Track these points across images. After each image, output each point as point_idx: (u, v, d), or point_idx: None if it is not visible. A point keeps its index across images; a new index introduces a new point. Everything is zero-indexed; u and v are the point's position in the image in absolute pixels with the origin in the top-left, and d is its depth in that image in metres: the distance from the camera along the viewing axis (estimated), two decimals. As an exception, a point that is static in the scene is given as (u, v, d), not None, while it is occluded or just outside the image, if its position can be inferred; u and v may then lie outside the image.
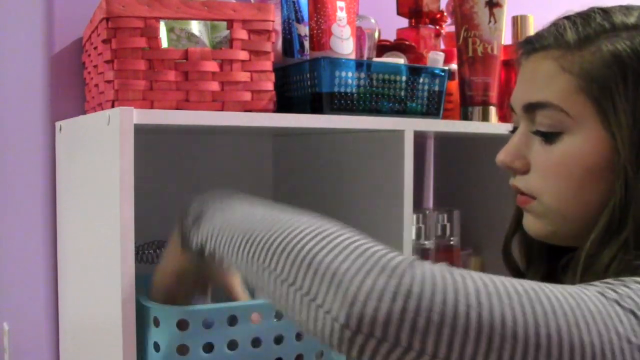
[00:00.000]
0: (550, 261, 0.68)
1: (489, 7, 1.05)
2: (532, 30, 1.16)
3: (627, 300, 0.48)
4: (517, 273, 0.72)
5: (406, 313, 0.45)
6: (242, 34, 0.83)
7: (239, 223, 0.59)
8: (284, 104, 0.93)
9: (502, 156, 0.65)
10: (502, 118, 1.13)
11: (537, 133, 0.62)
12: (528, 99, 0.62)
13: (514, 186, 0.65)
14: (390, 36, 1.16)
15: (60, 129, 1.01)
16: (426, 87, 0.98)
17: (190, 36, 0.93)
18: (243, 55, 0.83)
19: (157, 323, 0.79)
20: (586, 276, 0.57)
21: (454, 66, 1.11)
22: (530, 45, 0.63)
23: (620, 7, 0.60)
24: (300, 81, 0.93)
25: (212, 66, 0.81)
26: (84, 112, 1.03)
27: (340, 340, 0.46)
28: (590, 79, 0.58)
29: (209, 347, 0.80)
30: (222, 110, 0.82)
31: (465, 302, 0.45)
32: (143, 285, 0.80)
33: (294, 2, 0.97)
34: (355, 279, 0.46)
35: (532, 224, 0.65)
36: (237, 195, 0.67)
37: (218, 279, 0.83)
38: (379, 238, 0.97)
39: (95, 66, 0.90)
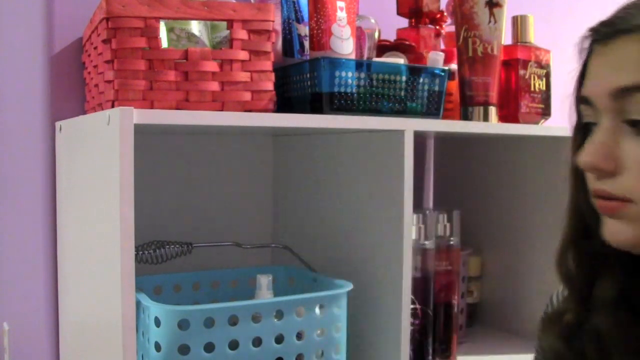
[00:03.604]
0: (629, 273, 0.61)
1: (489, 7, 1.05)
2: (532, 30, 1.16)
3: None
4: (575, 287, 0.65)
5: None
6: (242, 34, 0.83)
7: None
8: (284, 104, 0.93)
9: (588, 157, 0.56)
10: (502, 118, 1.13)
11: (630, 123, 0.55)
12: (617, 84, 0.55)
13: (600, 190, 0.57)
14: (390, 36, 1.16)
15: (60, 129, 1.01)
16: (426, 87, 0.98)
17: (190, 36, 0.93)
18: (243, 55, 0.83)
19: (158, 323, 0.79)
20: None
21: (454, 66, 1.11)
22: (610, 29, 0.57)
23: None
24: (300, 81, 0.93)
25: (212, 66, 0.81)
26: (84, 112, 1.03)
27: None
28: None
29: (209, 347, 0.80)
30: (222, 110, 0.82)
31: None
32: (143, 285, 0.80)
33: (294, 2, 0.97)
34: None
35: (621, 232, 0.57)
36: None
37: None
38: (379, 238, 0.97)
39: (95, 66, 0.90)
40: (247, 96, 0.83)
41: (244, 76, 0.83)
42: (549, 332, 0.66)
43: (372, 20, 1.10)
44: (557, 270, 0.65)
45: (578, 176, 0.63)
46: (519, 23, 1.15)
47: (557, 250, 0.66)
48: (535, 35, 1.17)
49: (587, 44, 0.60)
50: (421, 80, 0.97)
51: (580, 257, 0.64)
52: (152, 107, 0.79)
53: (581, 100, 0.60)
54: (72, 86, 1.05)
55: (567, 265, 0.65)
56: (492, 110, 1.07)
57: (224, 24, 0.88)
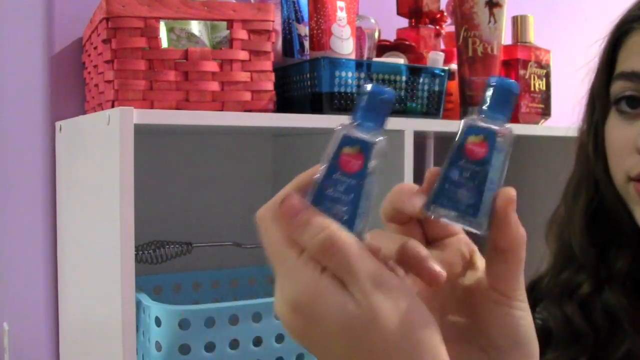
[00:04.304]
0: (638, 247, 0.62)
1: (489, 7, 1.05)
2: (532, 30, 1.16)
3: None
4: (590, 261, 0.64)
5: None
6: (242, 34, 0.83)
7: None
8: (284, 104, 0.93)
9: None
10: (502, 118, 1.13)
11: None
12: None
13: None
14: (390, 36, 1.16)
15: (60, 129, 1.01)
16: (426, 87, 0.98)
17: (190, 36, 0.93)
18: (243, 55, 0.83)
19: (158, 323, 0.79)
20: None
21: (454, 66, 1.11)
22: None
23: None
24: (300, 81, 0.93)
25: (212, 66, 0.81)
26: (84, 112, 1.03)
27: None
28: None
29: (210, 347, 0.80)
30: (222, 110, 0.82)
31: None
32: (143, 285, 0.80)
33: (294, 2, 0.97)
34: None
35: None
36: None
37: None
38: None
39: (95, 66, 0.90)
40: (247, 96, 0.83)
41: (244, 76, 0.83)
42: (564, 302, 0.65)
43: (372, 20, 1.10)
44: (581, 253, 0.64)
45: (598, 154, 0.62)
46: (519, 23, 1.15)
47: (565, 221, 0.65)
48: (535, 35, 1.17)
49: (624, 25, 0.59)
50: (421, 80, 0.98)
51: (595, 232, 0.63)
52: (152, 107, 0.79)
53: (627, 76, 0.58)
54: (72, 86, 1.05)
55: (580, 239, 0.64)
56: (492, 110, 1.07)
57: (224, 24, 0.88)
